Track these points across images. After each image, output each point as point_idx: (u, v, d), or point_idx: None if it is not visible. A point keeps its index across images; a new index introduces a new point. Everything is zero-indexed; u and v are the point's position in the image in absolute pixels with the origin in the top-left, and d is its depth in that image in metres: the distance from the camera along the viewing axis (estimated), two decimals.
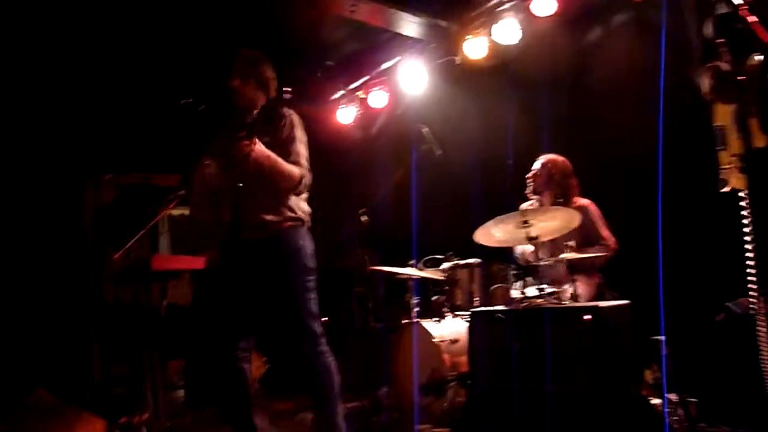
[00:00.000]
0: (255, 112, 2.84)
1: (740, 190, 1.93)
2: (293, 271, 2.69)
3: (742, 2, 1.51)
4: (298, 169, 2.69)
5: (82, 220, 4.87)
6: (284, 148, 2.69)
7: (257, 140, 2.51)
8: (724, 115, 1.99)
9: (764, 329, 1.90)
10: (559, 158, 3.94)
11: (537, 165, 3.97)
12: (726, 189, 1.92)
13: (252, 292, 2.71)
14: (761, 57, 1.75)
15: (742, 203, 1.93)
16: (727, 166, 1.97)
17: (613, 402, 2.00)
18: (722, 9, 1.53)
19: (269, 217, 2.68)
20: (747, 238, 1.93)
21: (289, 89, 2.59)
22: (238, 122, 2.67)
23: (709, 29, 1.59)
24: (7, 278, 4.38)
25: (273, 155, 2.59)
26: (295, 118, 2.78)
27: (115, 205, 4.99)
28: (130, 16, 4.21)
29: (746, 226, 1.93)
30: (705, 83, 2.06)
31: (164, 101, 3.33)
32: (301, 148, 2.77)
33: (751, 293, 1.93)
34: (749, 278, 1.91)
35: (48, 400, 3.66)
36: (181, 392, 4.44)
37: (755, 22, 1.52)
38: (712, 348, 3.08)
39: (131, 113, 4.72)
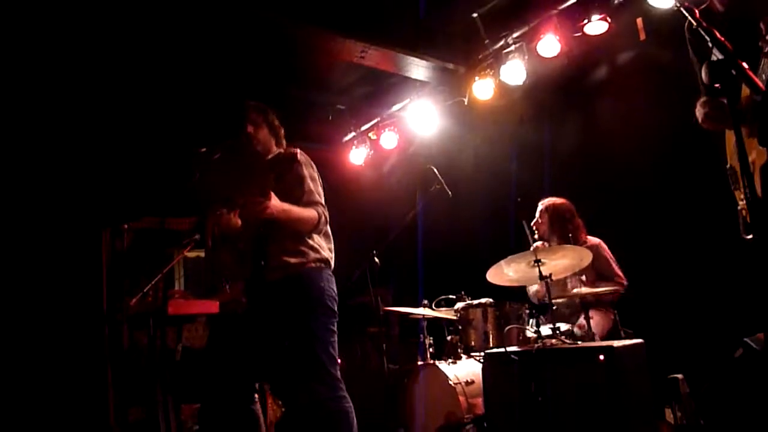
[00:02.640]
0: (268, 158, 2.91)
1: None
2: (315, 314, 2.67)
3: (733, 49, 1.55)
4: (314, 209, 2.69)
5: (99, 266, 4.94)
6: (297, 189, 2.71)
7: (272, 195, 2.53)
8: (731, 153, 2.02)
9: None
10: (559, 200, 3.98)
11: (537, 211, 4.02)
12: (749, 236, 1.89)
13: (273, 333, 2.69)
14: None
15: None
16: (742, 203, 1.96)
17: None
18: (717, 55, 1.58)
19: (292, 260, 2.69)
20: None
21: (298, 150, 2.67)
22: (252, 174, 2.72)
23: (705, 74, 1.64)
24: (27, 325, 4.44)
25: (288, 207, 2.59)
26: (302, 157, 2.81)
27: (131, 250, 5.07)
28: (146, 63, 4.35)
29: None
30: (700, 112, 2.10)
31: (179, 146, 3.42)
32: (313, 185, 2.78)
33: None
34: None
35: None
36: None
37: (749, 68, 1.57)
38: (731, 384, 3.03)
39: (144, 158, 4.84)
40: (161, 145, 4.76)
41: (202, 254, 4.94)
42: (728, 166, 2.03)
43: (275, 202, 2.53)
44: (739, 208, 1.97)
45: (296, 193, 2.70)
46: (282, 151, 2.95)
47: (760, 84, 1.57)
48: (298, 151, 2.81)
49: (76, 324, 4.65)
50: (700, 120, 2.08)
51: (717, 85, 1.62)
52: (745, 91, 1.86)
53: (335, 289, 2.78)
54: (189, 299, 4.26)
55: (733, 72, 1.54)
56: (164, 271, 3.92)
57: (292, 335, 2.68)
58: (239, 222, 2.78)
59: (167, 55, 4.31)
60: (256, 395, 2.80)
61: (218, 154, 2.88)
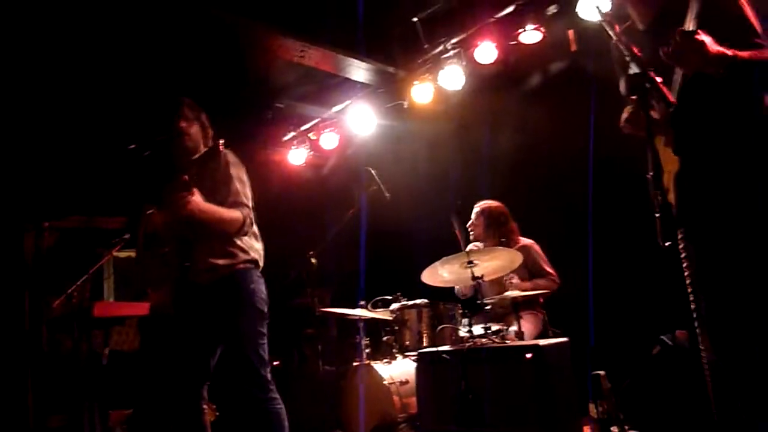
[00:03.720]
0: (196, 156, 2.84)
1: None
2: (244, 315, 2.64)
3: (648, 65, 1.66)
4: (239, 210, 2.64)
5: (22, 265, 4.70)
6: (222, 189, 2.66)
7: (196, 192, 2.47)
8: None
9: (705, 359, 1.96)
10: (494, 203, 4.10)
11: (473, 214, 4.12)
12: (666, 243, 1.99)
13: (204, 336, 2.65)
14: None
15: (680, 242, 1.98)
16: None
17: None
18: (633, 69, 1.67)
19: (220, 261, 2.64)
20: (687, 279, 1.96)
21: (223, 141, 2.59)
22: (179, 169, 2.65)
23: (623, 86, 1.73)
24: None
25: (210, 207, 2.54)
26: (231, 157, 2.76)
27: (56, 250, 4.84)
28: (71, 58, 4.17)
29: (684, 262, 1.97)
30: (622, 118, 2.21)
31: (108, 145, 3.31)
32: (240, 186, 2.72)
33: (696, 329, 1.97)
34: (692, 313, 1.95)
35: None
36: None
37: (661, 82, 1.67)
38: (649, 380, 3.20)
39: (73, 156, 4.64)
40: (89, 141, 4.58)
41: (133, 254, 4.79)
42: (649, 174, 2.14)
43: (197, 198, 2.48)
44: (657, 215, 2.07)
45: (222, 193, 2.65)
46: (209, 150, 2.88)
47: (671, 97, 1.68)
48: (227, 152, 2.73)
49: None
50: (621, 125, 2.19)
51: (633, 97, 1.71)
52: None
53: (264, 290, 2.76)
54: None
55: (647, 85, 1.64)
56: (91, 271, 3.77)
57: (222, 338, 2.65)
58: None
59: (100, 48, 4.15)
60: (204, 405, 2.74)
61: (149, 151, 2.81)
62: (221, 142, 2.49)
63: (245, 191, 2.75)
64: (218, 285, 2.64)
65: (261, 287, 2.74)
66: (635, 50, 1.71)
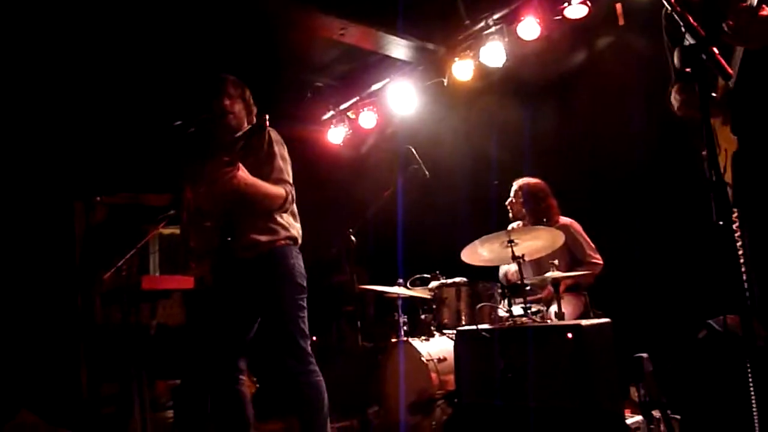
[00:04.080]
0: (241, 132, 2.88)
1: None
2: (285, 289, 2.71)
3: (705, 34, 1.58)
4: (282, 187, 2.69)
5: (72, 240, 4.88)
6: (266, 166, 2.71)
7: (240, 166, 2.52)
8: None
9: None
10: (533, 180, 4.02)
11: (512, 191, 4.06)
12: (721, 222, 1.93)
13: (245, 310, 2.73)
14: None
15: (735, 222, 1.92)
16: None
17: (590, 418, 2.05)
18: (688, 40, 1.60)
19: (261, 237, 2.70)
20: (741, 259, 1.91)
21: (267, 116, 2.61)
22: (223, 146, 2.71)
23: (677, 59, 1.67)
24: None
25: (255, 181, 2.59)
26: (274, 135, 2.80)
27: (105, 226, 5.00)
28: (120, 39, 4.26)
29: (738, 243, 1.90)
30: (676, 100, 2.13)
31: (154, 122, 3.38)
32: (282, 164, 2.77)
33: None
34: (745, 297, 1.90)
35: (32, 422, 3.65)
36: (169, 413, 4.42)
37: (719, 54, 1.60)
38: (694, 365, 3.13)
39: (121, 134, 4.77)
40: (137, 119, 4.69)
41: (177, 231, 4.90)
42: (704, 152, 2.07)
43: (242, 172, 2.53)
44: (711, 194, 2.01)
45: (265, 170, 2.69)
46: (253, 126, 2.91)
47: (729, 69, 1.61)
48: (271, 129, 2.75)
49: (49, 298, 4.60)
50: (676, 107, 2.11)
51: (688, 70, 1.64)
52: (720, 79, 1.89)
53: (303, 265, 2.81)
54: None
55: (704, 57, 1.57)
56: (138, 246, 3.89)
57: (263, 311, 2.71)
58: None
59: (144, 29, 4.23)
60: (241, 376, 2.81)
61: (193, 128, 2.87)
62: (266, 117, 2.52)
63: (287, 169, 2.79)
64: (259, 260, 2.70)
65: (300, 263, 2.80)
66: (691, 20, 1.64)
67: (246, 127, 2.88)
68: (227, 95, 2.84)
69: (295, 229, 2.84)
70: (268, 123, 2.54)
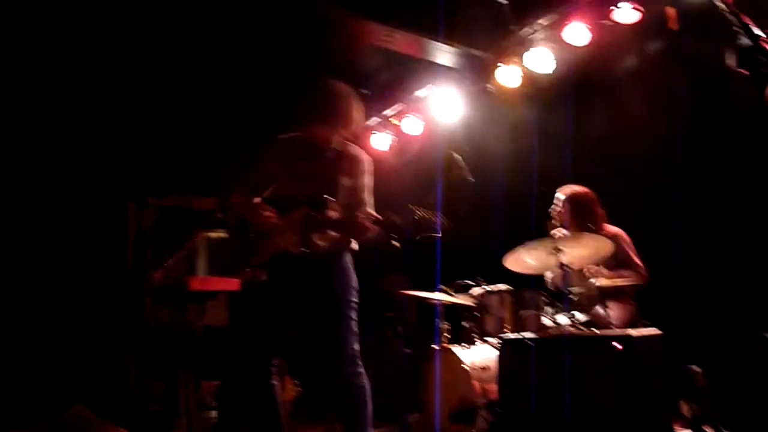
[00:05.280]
0: (334, 144, 2.85)
1: None
2: (340, 289, 2.75)
3: (763, 35, 1.52)
4: (368, 226, 2.70)
5: (124, 241, 5.04)
6: (356, 196, 2.76)
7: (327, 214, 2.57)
8: None
9: None
10: (580, 189, 3.93)
11: (559, 200, 3.98)
12: None
13: (295, 308, 2.76)
14: None
15: None
16: None
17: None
18: (744, 41, 1.55)
19: (324, 243, 2.75)
20: None
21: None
22: (331, 163, 2.73)
23: (732, 61, 1.61)
24: (52, 297, 4.57)
25: (333, 241, 2.67)
26: (368, 165, 2.84)
27: (156, 227, 5.16)
28: (172, 41, 4.38)
29: None
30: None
31: (208, 126, 3.46)
32: (369, 197, 2.83)
33: None
34: None
35: (86, 416, 3.77)
36: (213, 413, 4.51)
37: None
38: (750, 380, 3.00)
39: (174, 138, 4.91)
40: (192, 124, 4.81)
41: (225, 234, 5.00)
42: None
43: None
44: None
45: (355, 200, 2.74)
46: (346, 146, 2.88)
47: None
48: (365, 155, 2.82)
49: (102, 297, 4.76)
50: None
51: (744, 71, 1.59)
52: None
53: (354, 269, 2.85)
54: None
55: (761, 58, 1.52)
56: (188, 247, 4.00)
57: (317, 310, 2.73)
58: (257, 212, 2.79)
59: (203, 31, 4.33)
60: (274, 371, 2.85)
61: (287, 143, 2.88)
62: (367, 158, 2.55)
63: (371, 201, 2.85)
64: (315, 260, 2.72)
65: (353, 267, 2.85)
66: (746, 20, 1.59)
67: (336, 140, 2.85)
68: (310, 107, 2.84)
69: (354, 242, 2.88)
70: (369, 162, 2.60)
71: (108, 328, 4.77)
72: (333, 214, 2.58)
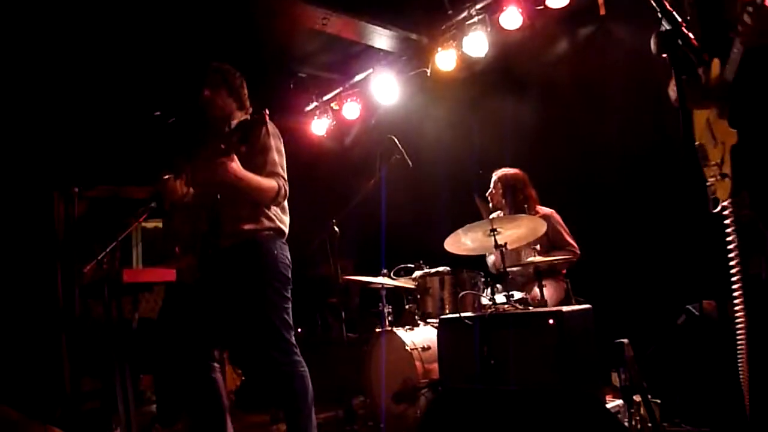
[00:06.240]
0: (233, 122, 2.84)
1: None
2: (269, 278, 2.69)
3: (681, 20, 1.59)
4: (275, 180, 2.67)
5: (52, 233, 4.82)
6: (260, 157, 2.68)
7: (234, 158, 2.51)
8: (700, 132, 2.07)
9: (742, 334, 1.91)
10: (511, 171, 4.07)
11: (491, 182, 4.09)
12: (718, 209, 1.92)
13: (227, 300, 2.70)
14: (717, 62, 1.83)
15: (725, 212, 1.91)
16: (711, 180, 2.00)
17: (571, 402, 2.08)
18: (664, 26, 1.61)
19: (247, 227, 2.69)
20: (730, 246, 1.90)
21: (267, 110, 2.57)
22: (217, 136, 2.68)
23: (653, 45, 1.67)
24: None
25: (247, 174, 2.57)
26: (271, 128, 2.76)
27: (86, 218, 4.94)
28: (100, 29, 4.20)
29: (729, 234, 1.90)
30: (672, 91, 2.13)
31: (134, 114, 3.34)
32: (277, 158, 2.75)
33: (734, 299, 1.92)
34: (733, 283, 1.91)
35: (13, 417, 3.60)
36: (153, 406, 4.40)
37: (695, 39, 1.61)
38: (674, 350, 3.18)
39: (101, 126, 4.71)
40: (117, 110, 4.63)
41: (160, 224, 4.86)
42: (697, 144, 2.08)
43: (235, 164, 2.51)
44: (708, 184, 2.02)
45: (258, 162, 2.67)
46: (248, 117, 2.89)
47: (705, 56, 1.61)
48: (268, 121, 2.70)
49: (29, 291, 4.54)
50: (672, 99, 2.10)
51: (664, 56, 1.66)
52: (715, 70, 1.89)
53: (289, 257, 2.79)
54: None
55: (680, 42, 1.58)
56: (120, 238, 3.84)
57: (246, 301, 2.69)
58: (184, 189, 2.76)
59: (125, 16, 4.16)
60: (216, 364, 2.80)
61: (173, 118, 2.84)
62: (266, 112, 2.50)
63: (282, 162, 2.77)
64: (242, 249, 2.68)
65: (285, 253, 2.78)
66: (666, 5, 1.65)
67: (238, 115, 2.86)
68: (208, 84, 2.82)
69: (283, 222, 2.82)
70: (267, 116, 2.52)
71: (36, 325, 4.56)
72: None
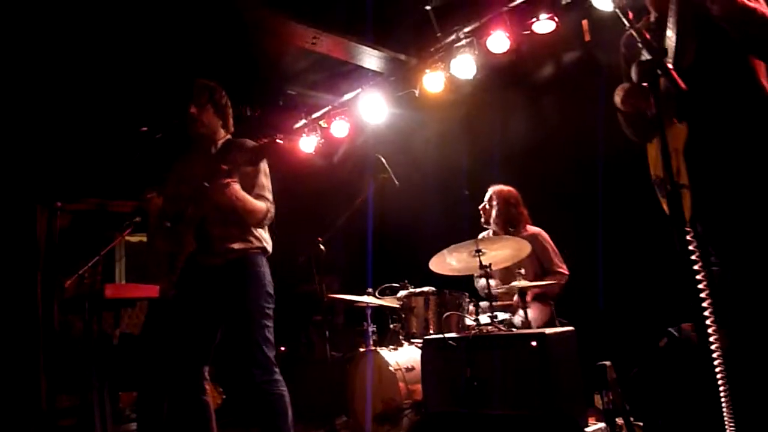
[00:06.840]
0: (219, 141, 2.87)
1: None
2: (252, 295, 2.69)
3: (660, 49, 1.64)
4: (264, 203, 2.74)
5: (34, 246, 4.76)
6: (248, 179, 2.72)
7: (237, 179, 2.56)
8: (654, 165, 2.09)
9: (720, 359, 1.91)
10: (506, 188, 4.10)
11: (486, 197, 4.13)
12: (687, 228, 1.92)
13: (210, 318, 2.70)
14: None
15: (687, 232, 1.92)
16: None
17: (553, 425, 2.08)
18: (645, 56, 1.66)
19: (237, 246, 2.72)
20: (695, 267, 1.91)
21: (281, 136, 2.61)
22: (217, 157, 2.70)
23: (634, 74, 1.72)
24: None
25: (245, 196, 2.64)
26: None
27: (69, 232, 4.89)
28: (88, 40, 4.19)
29: (693, 253, 1.89)
30: (618, 95, 2.17)
31: (120, 128, 3.34)
32: (265, 180, 2.81)
33: (708, 324, 1.92)
34: (704, 307, 1.91)
35: None
36: (132, 425, 4.33)
37: (673, 68, 1.66)
38: (656, 372, 3.19)
39: (86, 140, 4.68)
40: (103, 125, 4.61)
41: (145, 238, 4.82)
42: (653, 177, 2.11)
43: (237, 186, 2.58)
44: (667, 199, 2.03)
45: (247, 183, 2.71)
46: (230, 137, 2.92)
47: (682, 84, 1.66)
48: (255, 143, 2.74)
49: (7, 304, 4.46)
50: (619, 101, 2.14)
51: (645, 84, 1.70)
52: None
53: (270, 275, 2.81)
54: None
55: (659, 72, 1.62)
56: (102, 252, 3.82)
57: (229, 317, 2.68)
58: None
59: (114, 31, 4.17)
60: (207, 386, 2.78)
61: (160, 134, 2.84)
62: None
63: (269, 185, 2.84)
64: (228, 266, 2.70)
65: (267, 271, 2.80)
66: (647, 36, 1.70)
67: (222, 134, 2.88)
68: (194, 101, 2.83)
69: (267, 241, 2.86)
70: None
71: (13, 339, 4.48)
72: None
